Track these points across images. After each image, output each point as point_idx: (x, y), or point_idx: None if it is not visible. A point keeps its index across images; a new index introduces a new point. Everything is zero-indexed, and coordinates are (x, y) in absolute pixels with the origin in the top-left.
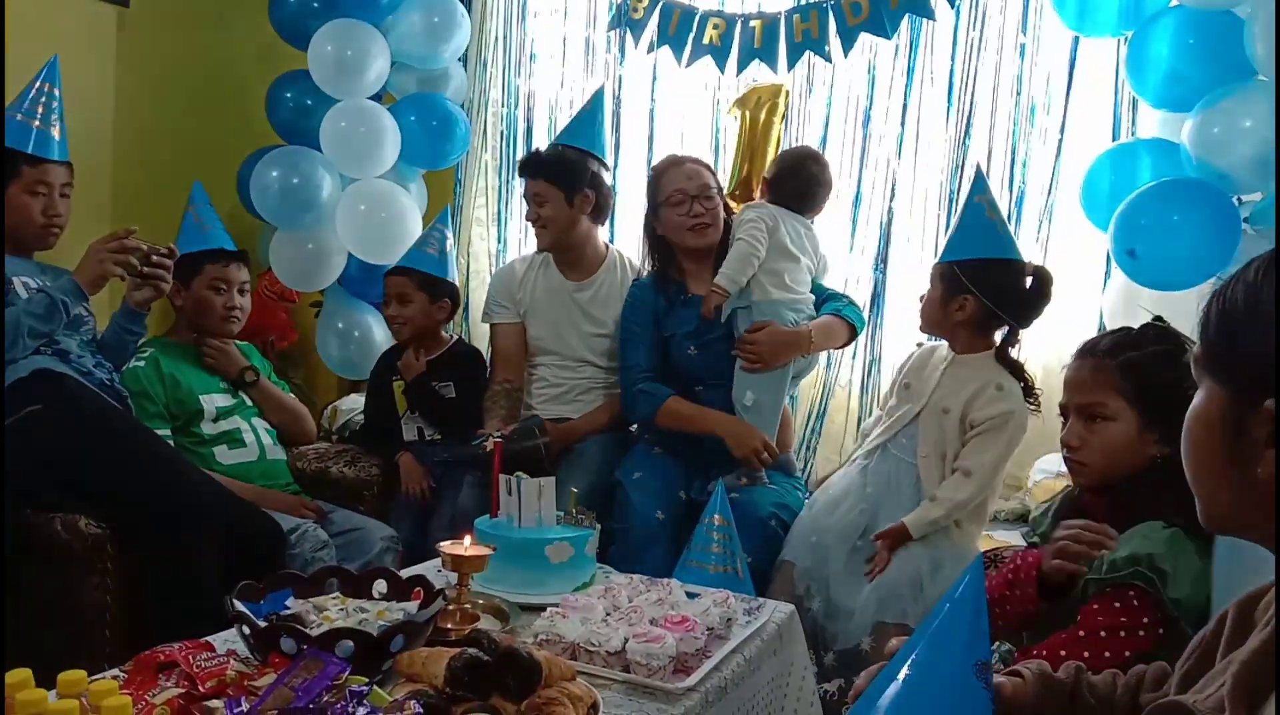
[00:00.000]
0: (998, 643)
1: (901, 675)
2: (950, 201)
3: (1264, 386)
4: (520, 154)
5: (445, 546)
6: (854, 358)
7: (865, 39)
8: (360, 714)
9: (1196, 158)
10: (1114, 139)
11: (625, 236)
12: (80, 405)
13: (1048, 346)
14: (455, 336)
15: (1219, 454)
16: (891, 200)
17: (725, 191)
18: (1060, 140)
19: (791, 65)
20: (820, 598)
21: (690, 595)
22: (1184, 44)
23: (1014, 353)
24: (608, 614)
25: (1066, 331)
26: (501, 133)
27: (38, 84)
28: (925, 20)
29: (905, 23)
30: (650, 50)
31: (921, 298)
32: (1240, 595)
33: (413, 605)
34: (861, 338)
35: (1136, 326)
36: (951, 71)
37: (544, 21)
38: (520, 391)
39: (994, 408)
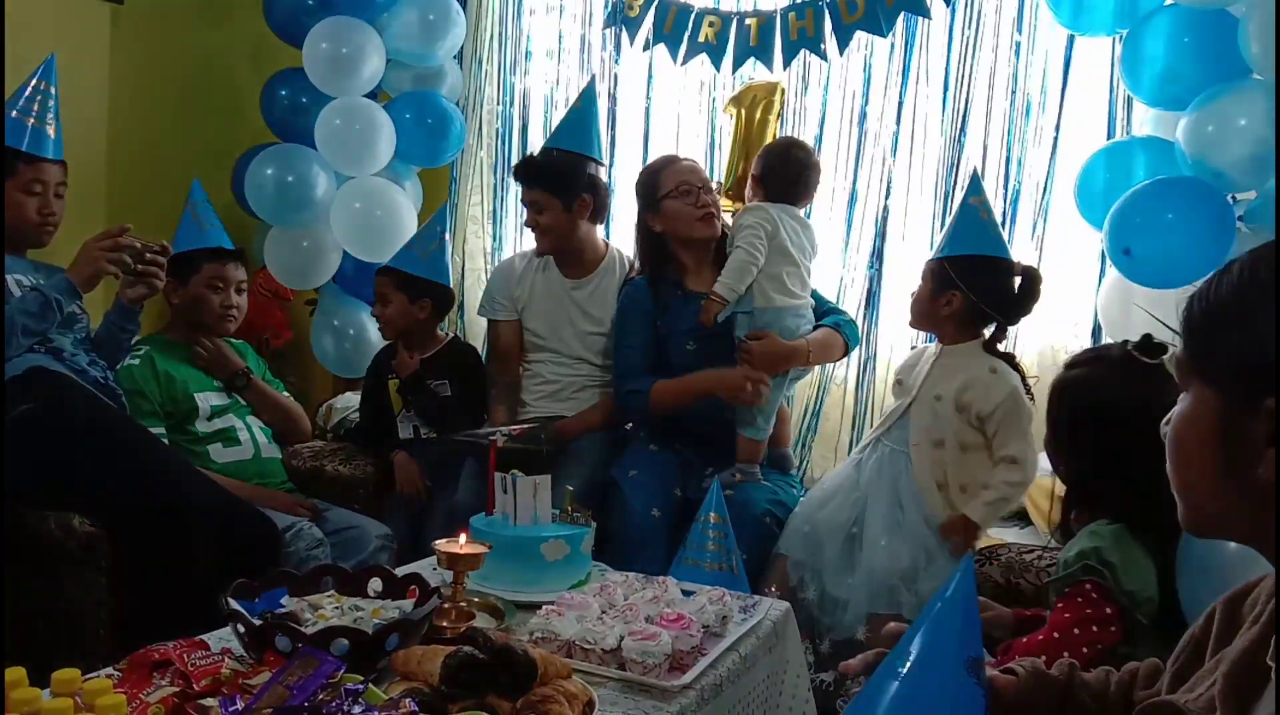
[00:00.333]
0: None
1: (898, 673)
2: (946, 199)
3: (1259, 385)
4: (516, 151)
5: (440, 544)
6: (850, 355)
7: (861, 37)
8: (356, 712)
9: (1191, 156)
10: (1109, 137)
11: (622, 234)
12: (74, 404)
13: (1042, 345)
14: (451, 334)
15: (1214, 458)
16: (887, 198)
17: (722, 189)
18: (1055, 138)
19: (787, 63)
20: (814, 588)
21: (686, 593)
22: (1179, 42)
23: (1002, 348)
24: (603, 612)
25: (1061, 330)
26: (497, 130)
27: (34, 82)
28: (921, 18)
29: (901, 21)
30: (646, 48)
31: (912, 294)
32: (1228, 592)
33: (408, 603)
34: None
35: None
36: (947, 70)
37: (539, 19)
38: (518, 386)
39: (998, 392)
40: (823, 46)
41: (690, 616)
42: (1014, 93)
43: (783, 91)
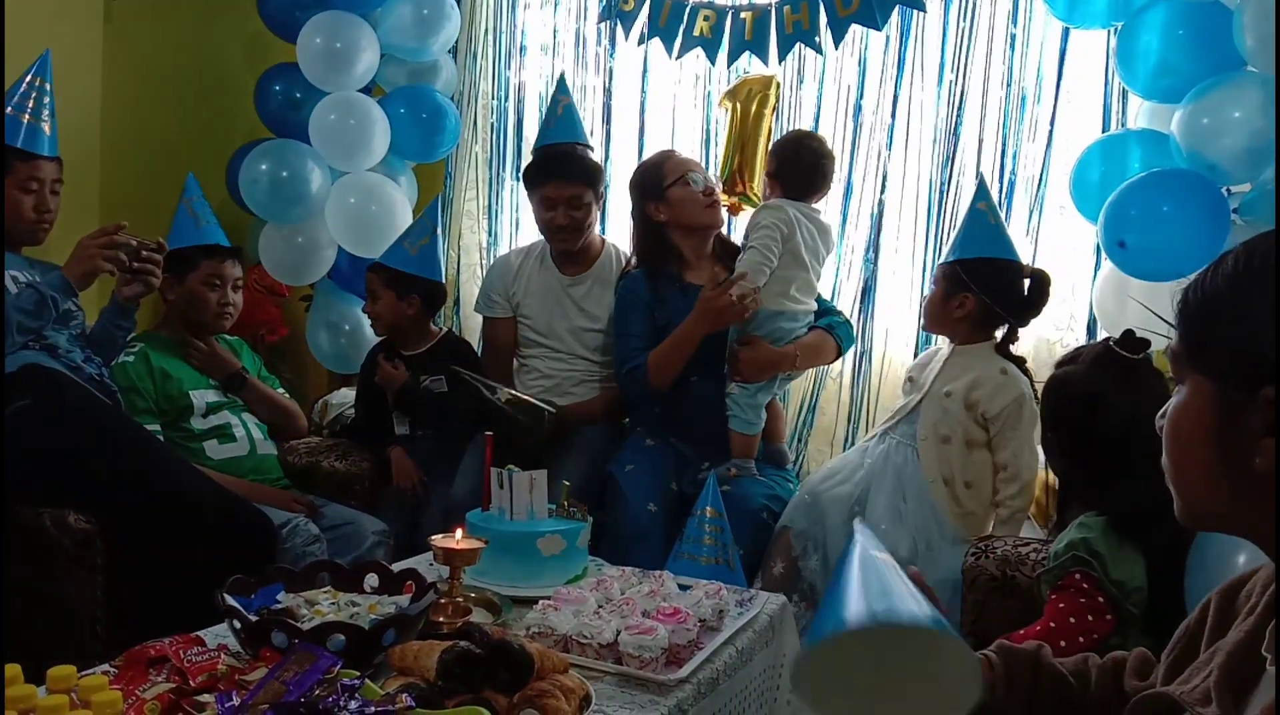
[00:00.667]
0: None
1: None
2: (941, 192)
3: (1256, 375)
4: (510, 146)
5: (437, 540)
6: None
7: (856, 30)
8: (352, 708)
9: (1186, 149)
10: (1104, 130)
11: (616, 228)
12: (69, 400)
13: (1037, 338)
14: (445, 329)
15: (1211, 450)
16: (882, 192)
17: (718, 183)
18: (1050, 131)
19: (782, 57)
20: (817, 556)
21: (682, 587)
22: (1173, 35)
23: (1014, 349)
24: (600, 606)
25: (1056, 323)
26: (492, 125)
27: (29, 78)
28: (916, 11)
29: (896, 14)
30: (641, 42)
31: (924, 298)
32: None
33: (404, 599)
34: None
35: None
36: (942, 63)
37: (534, 14)
38: (512, 383)
39: (1006, 395)
40: (818, 40)
41: (687, 610)
42: (1009, 86)
43: (778, 85)
